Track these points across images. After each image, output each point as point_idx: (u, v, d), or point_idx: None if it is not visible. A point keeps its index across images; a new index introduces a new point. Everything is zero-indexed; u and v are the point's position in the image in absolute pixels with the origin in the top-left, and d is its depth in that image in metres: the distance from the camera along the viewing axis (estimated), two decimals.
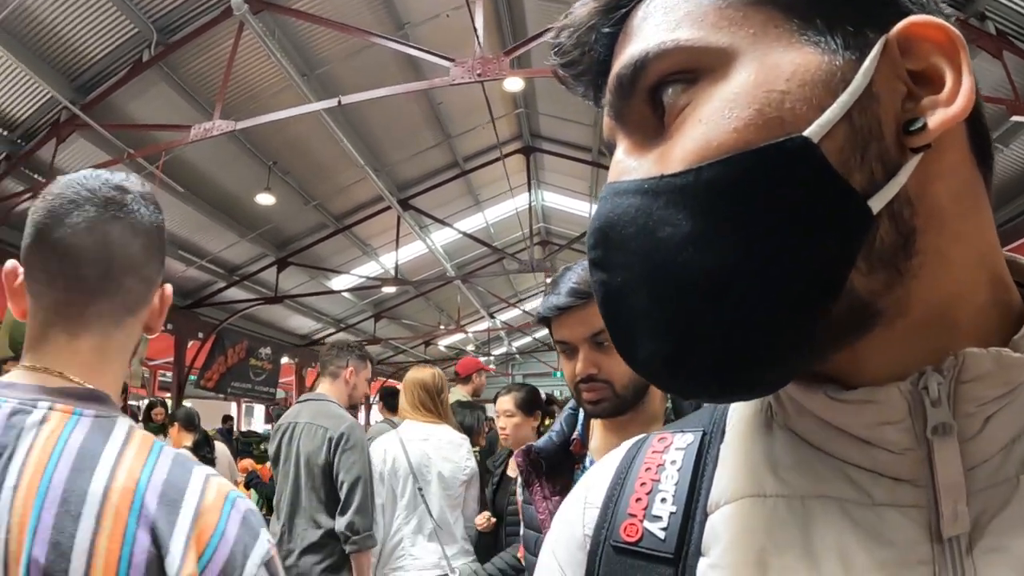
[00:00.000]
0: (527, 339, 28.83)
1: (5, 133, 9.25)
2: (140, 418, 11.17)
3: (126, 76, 8.46)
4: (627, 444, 0.76)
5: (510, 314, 24.75)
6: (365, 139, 10.91)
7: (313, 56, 9.16)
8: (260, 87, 9.18)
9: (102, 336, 1.06)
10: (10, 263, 1.06)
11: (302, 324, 18.40)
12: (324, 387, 4.09)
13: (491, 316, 22.90)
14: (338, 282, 16.26)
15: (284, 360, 18.05)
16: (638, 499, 0.67)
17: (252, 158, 10.63)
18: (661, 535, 0.64)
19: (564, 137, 13.23)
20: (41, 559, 0.86)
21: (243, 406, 26.48)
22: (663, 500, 0.66)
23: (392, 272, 15.49)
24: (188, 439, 5.74)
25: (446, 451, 4.10)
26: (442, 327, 21.65)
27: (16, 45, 7.64)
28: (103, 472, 0.92)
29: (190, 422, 5.91)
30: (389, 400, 6.45)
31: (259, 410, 28.60)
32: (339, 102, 6.76)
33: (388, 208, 12.73)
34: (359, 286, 16.29)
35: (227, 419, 17.62)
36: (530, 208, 16.02)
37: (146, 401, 13.94)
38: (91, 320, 1.05)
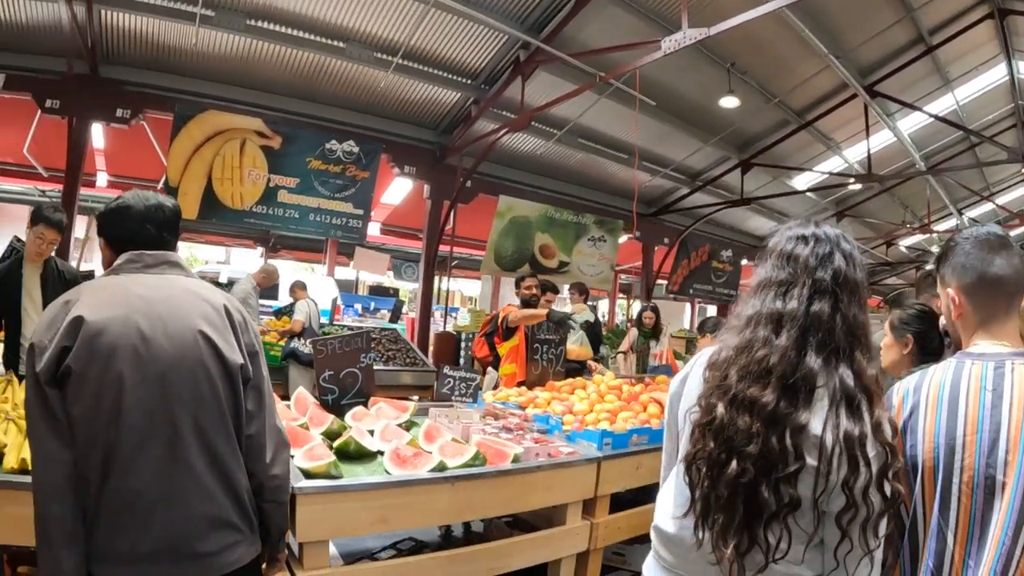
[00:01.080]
0: None
1: (470, 82, 10.46)
2: (631, 323, 11.92)
3: (575, 7, 8.82)
4: None
5: (980, 210, 21.09)
6: (822, 24, 10.12)
7: None
8: None
9: (1016, 322, 1.89)
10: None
11: (761, 225, 18.20)
12: None
13: (959, 212, 19.89)
14: (800, 180, 15.68)
15: (743, 262, 18.10)
16: None
17: (710, 62, 10.53)
18: None
19: None
20: None
21: (696, 307, 27.21)
22: None
23: (855, 167, 14.66)
24: None
25: None
26: (906, 225, 19.55)
27: (468, 3, 8.51)
28: None
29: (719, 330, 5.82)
30: None
31: (711, 310, 29.18)
32: None
33: (851, 98, 11.94)
34: (822, 184, 15.39)
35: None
36: (1012, 81, 13.57)
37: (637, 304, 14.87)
38: (1012, 314, 1.90)
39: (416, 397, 9.12)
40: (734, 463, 1.70)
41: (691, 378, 2.08)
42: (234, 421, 2.16)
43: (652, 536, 2.10)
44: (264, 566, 2.35)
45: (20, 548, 3.18)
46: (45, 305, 4.91)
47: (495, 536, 4.63)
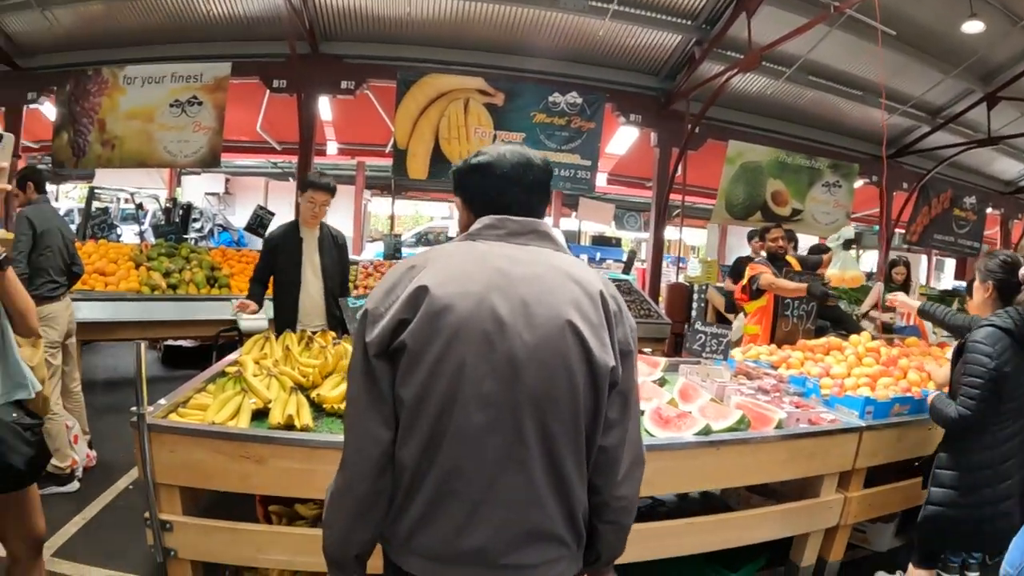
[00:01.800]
0: None
1: (690, 23, 10.22)
2: (878, 276, 11.29)
3: None
4: None
5: None
6: None
7: None
8: None
9: None
10: None
11: (1008, 168, 16.35)
12: None
13: None
14: None
15: (988, 210, 16.48)
16: None
17: None
18: None
19: None
20: None
21: (934, 260, 25.36)
22: None
23: None
24: None
25: None
26: None
27: None
28: None
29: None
30: None
31: (948, 264, 27.07)
32: None
33: None
34: None
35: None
36: None
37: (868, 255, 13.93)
38: None
39: (649, 350, 9.01)
40: None
41: None
42: (588, 429, 1.80)
43: None
44: None
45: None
46: (322, 266, 5.31)
47: (736, 502, 4.45)
